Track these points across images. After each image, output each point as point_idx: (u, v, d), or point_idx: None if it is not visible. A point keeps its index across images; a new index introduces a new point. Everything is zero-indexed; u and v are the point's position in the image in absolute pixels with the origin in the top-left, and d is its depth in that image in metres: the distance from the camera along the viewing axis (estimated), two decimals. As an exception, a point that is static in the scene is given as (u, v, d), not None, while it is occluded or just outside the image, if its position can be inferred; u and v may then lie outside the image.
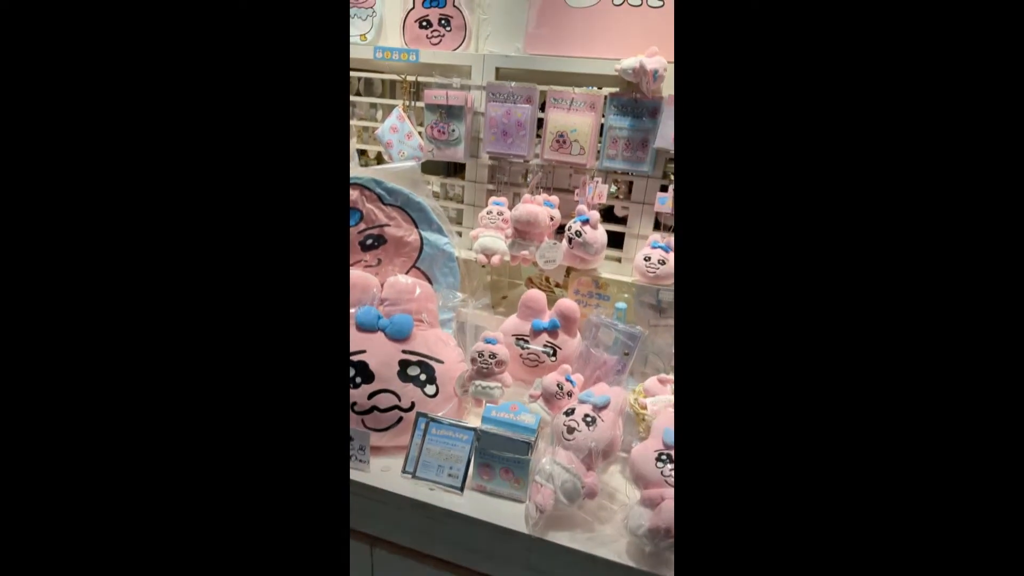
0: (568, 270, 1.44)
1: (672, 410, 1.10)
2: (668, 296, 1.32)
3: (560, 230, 1.44)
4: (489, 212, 1.45)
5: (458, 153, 1.49)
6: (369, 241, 1.40)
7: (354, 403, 1.16)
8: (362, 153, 1.77)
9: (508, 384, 1.24)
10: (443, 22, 1.49)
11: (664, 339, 1.35)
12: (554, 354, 1.30)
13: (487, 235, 1.42)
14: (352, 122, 1.71)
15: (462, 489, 1.08)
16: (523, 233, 1.38)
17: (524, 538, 1.00)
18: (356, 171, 1.40)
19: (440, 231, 1.42)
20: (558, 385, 1.16)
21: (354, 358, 1.18)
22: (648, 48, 1.27)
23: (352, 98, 1.71)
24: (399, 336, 1.21)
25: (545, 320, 1.31)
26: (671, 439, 1.02)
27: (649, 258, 1.32)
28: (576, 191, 1.43)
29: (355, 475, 1.09)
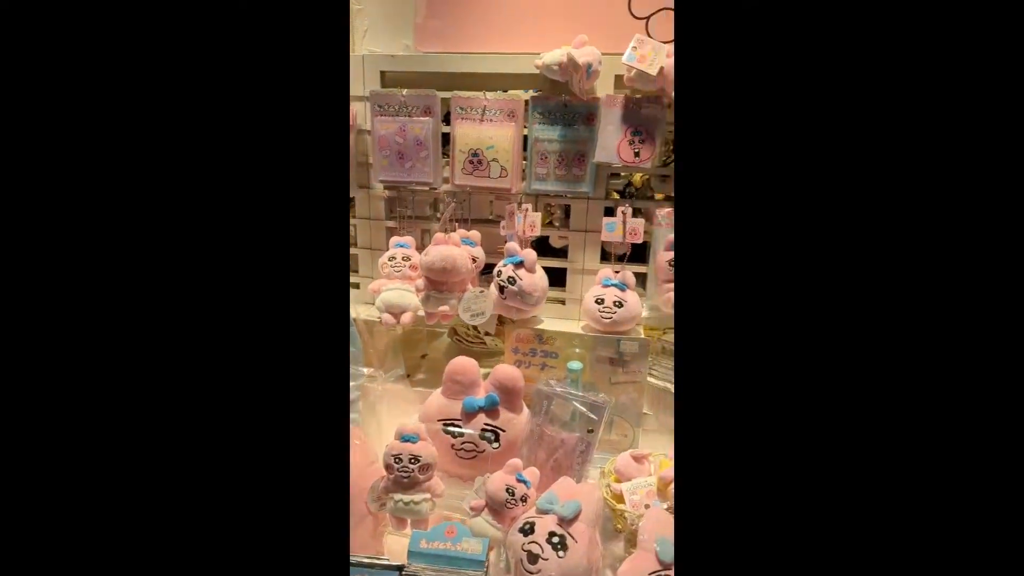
0: (500, 318, 1.14)
1: (663, 510, 0.82)
2: (631, 346, 1.05)
3: (486, 271, 1.13)
4: (392, 258, 1.13)
5: (344, 184, 1.16)
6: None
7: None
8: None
9: (439, 493, 0.91)
10: (308, 18, 1.15)
11: (629, 395, 1.08)
12: (497, 439, 0.98)
13: (392, 288, 1.09)
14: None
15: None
16: (438, 283, 1.06)
17: None
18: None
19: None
20: (507, 490, 0.85)
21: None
22: (576, 37, 1.00)
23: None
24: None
25: (480, 396, 0.99)
26: (669, 555, 0.75)
27: (602, 300, 1.05)
28: (501, 223, 1.13)
29: None
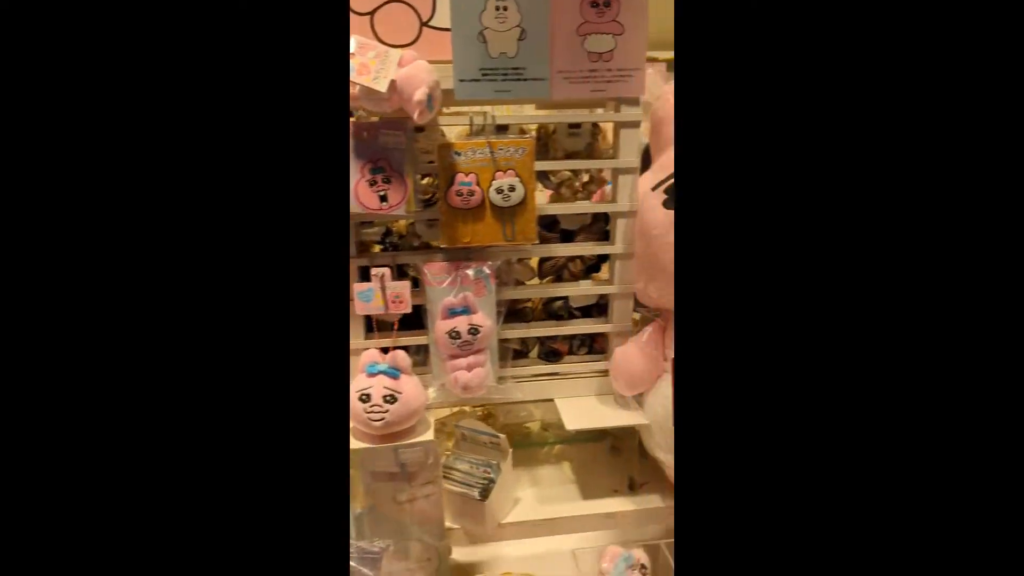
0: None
1: None
2: (414, 454, 0.79)
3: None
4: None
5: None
6: None
7: None
8: None
9: None
10: None
11: (423, 511, 0.82)
12: None
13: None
14: None
15: None
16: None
17: None
18: None
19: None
20: None
21: None
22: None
23: None
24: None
25: None
26: None
27: (368, 396, 0.77)
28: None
29: None
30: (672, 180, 0.82)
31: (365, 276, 0.80)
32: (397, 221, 0.90)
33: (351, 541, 0.71)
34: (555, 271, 0.92)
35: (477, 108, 0.82)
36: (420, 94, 0.68)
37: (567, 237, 0.92)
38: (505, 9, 0.74)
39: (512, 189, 0.78)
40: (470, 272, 0.82)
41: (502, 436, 0.87)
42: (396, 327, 0.83)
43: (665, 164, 0.85)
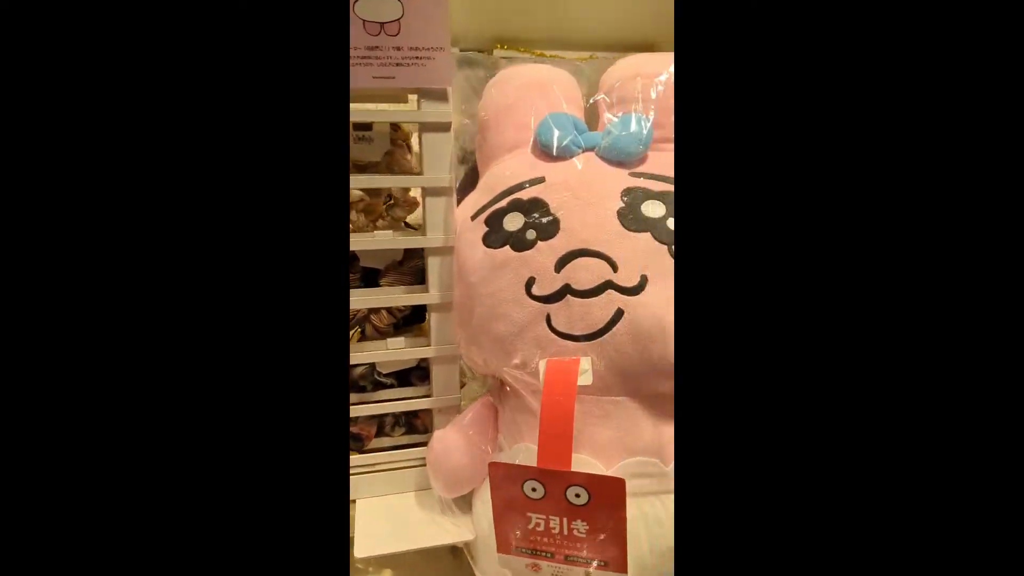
0: None
1: None
2: None
3: None
4: None
5: None
6: None
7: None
8: None
9: None
10: None
11: None
12: None
13: None
14: None
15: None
16: None
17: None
18: None
19: None
20: None
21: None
22: None
23: None
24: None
25: None
26: None
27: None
28: None
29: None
30: (496, 206, 0.60)
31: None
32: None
33: None
34: (353, 325, 0.68)
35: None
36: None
37: (370, 279, 0.67)
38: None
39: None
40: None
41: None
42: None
43: (491, 183, 0.62)
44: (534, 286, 0.56)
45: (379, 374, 0.70)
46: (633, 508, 0.52)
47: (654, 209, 0.57)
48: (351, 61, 0.54)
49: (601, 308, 0.55)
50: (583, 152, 0.61)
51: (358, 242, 0.62)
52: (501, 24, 0.90)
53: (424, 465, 0.67)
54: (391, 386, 0.70)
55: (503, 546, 0.56)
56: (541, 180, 0.59)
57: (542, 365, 0.55)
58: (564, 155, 0.60)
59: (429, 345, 0.66)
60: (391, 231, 0.63)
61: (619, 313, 0.54)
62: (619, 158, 0.60)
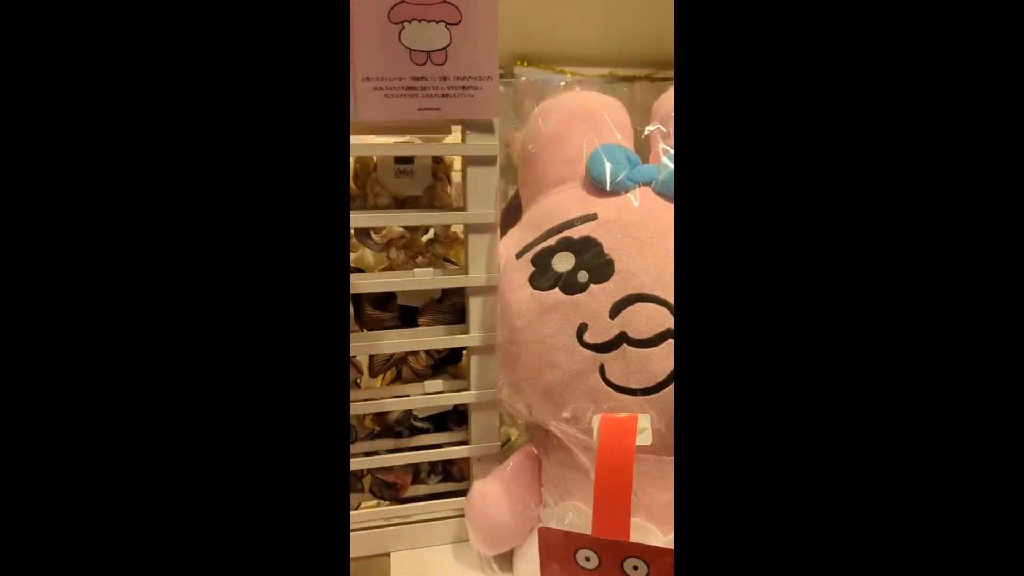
0: None
1: None
2: None
3: None
4: None
5: None
6: None
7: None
8: None
9: None
10: None
11: None
12: None
13: None
14: None
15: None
16: None
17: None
18: None
19: None
20: None
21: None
22: None
23: None
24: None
25: None
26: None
27: None
28: None
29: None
30: (544, 244, 0.56)
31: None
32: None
33: None
34: (389, 367, 0.64)
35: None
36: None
37: (408, 318, 0.64)
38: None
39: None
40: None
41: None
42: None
43: (537, 219, 0.58)
44: (586, 333, 0.52)
45: (415, 418, 0.66)
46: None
47: (717, 250, 0.52)
48: (396, 92, 0.51)
49: (661, 359, 0.50)
50: (638, 187, 0.57)
51: (399, 282, 0.58)
52: (522, 41, 0.87)
53: (462, 516, 0.63)
54: (427, 430, 0.66)
55: (551, 618, 0.51)
56: (593, 217, 0.55)
57: (596, 421, 0.51)
58: (618, 190, 0.56)
59: (467, 387, 0.62)
60: (431, 268, 0.60)
61: (681, 365, 0.49)
62: (677, 194, 0.56)
